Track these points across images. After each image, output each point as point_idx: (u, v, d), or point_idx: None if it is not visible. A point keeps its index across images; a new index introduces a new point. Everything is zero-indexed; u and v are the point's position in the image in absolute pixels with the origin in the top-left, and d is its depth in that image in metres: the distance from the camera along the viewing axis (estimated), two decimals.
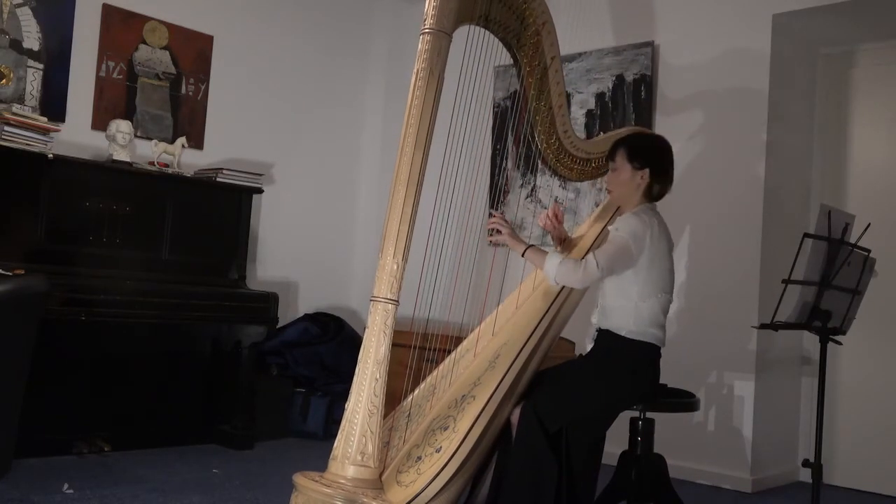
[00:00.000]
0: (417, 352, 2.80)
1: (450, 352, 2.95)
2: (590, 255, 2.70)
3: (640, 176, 2.84)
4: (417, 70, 2.47)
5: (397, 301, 2.43)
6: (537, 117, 2.97)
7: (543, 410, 2.62)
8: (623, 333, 2.76)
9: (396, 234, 2.42)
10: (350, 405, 2.40)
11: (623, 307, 2.77)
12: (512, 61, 2.96)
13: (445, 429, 2.55)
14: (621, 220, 2.79)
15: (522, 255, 2.81)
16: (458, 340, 3.00)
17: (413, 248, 2.46)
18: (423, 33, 2.49)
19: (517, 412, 2.66)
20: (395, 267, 2.41)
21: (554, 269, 2.71)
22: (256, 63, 5.10)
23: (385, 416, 2.48)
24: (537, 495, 2.58)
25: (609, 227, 2.85)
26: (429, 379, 2.87)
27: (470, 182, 2.93)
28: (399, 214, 2.43)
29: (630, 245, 2.70)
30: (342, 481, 2.35)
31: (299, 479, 2.40)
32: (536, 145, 3.02)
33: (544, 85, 2.93)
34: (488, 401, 2.60)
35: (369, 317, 2.42)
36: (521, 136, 3.01)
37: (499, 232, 2.84)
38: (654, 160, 2.85)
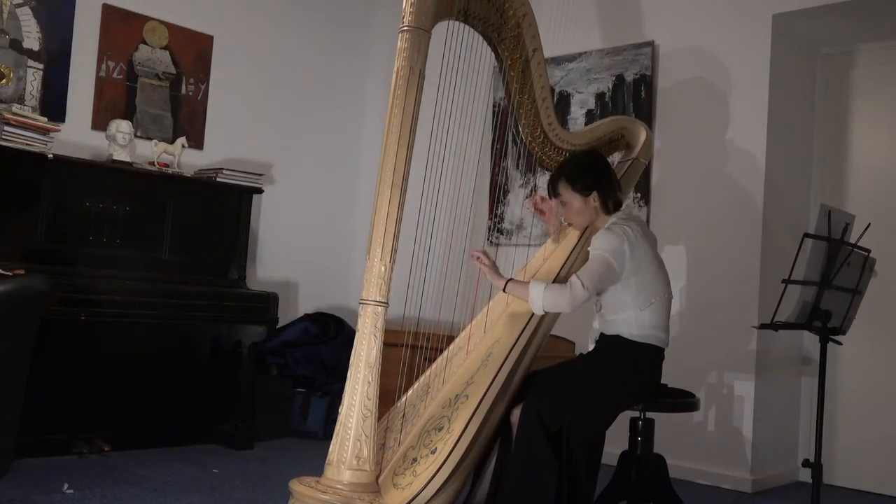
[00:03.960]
0: (410, 351, 2.79)
1: (442, 350, 2.95)
2: (574, 278, 2.68)
3: (592, 199, 2.84)
4: (398, 69, 2.46)
5: (387, 303, 2.42)
6: (521, 111, 2.97)
7: (545, 410, 2.61)
8: (626, 336, 2.76)
9: (383, 235, 2.41)
10: (343, 409, 2.40)
11: (624, 318, 2.76)
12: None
13: (440, 429, 2.54)
14: (597, 238, 2.77)
15: (504, 290, 2.79)
16: (451, 339, 3.00)
17: (403, 246, 2.46)
18: (402, 31, 2.48)
19: (517, 412, 2.66)
20: (383, 269, 2.41)
21: (540, 298, 2.67)
22: (256, 63, 5.10)
23: (379, 417, 2.48)
24: (537, 495, 2.58)
25: (588, 248, 2.83)
26: (422, 378, 2.87)
27: (459, 180, 2.92)
28: (385, 216, 2.42)
29: (611, 261, 2.69)
30: (339, 486, 2.35)
31: (296, 485, 2.39)
32: (522, 139, 3.02)
33: (527, 78, 2.92)
34: (482, 400, 2.60)
35: (359, 320, 2.42)
36: (507, 131, 3.01)
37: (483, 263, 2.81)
38: (597, 180, 2.85)
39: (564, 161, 3.02)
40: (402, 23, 2.49)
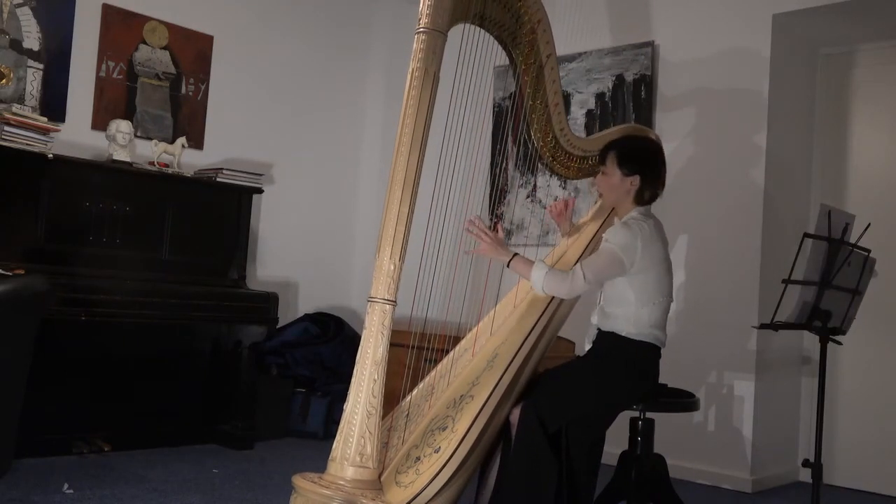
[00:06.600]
0: (416, 351, 2.79)
1: (448, 351, 2.95)
2: (577, 267, 2.70)
3: (630, 182, 2.82)
4: (413, 70, 2.47)
5: (395, 301, 2.42)
6: (533, 115, 2.98)
7: (543, 410, 2.61)
8: (623, 334, 2.76)
9: (393, 234, 2.41)
10: (348, 406, 2.40)
11: (623, 314, 2.77)
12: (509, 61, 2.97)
13: (444, 429, 2.55)
14: (611, 232, 2.77)
15: (507, 266, 2.78)
16: (457, 340, 3.00)
17: (411, 247, 2.46)
18: (418, 32, 2.49)
19: (517, 412, 2.66)
20: (392, 267, 2.41)
21: (541, 280, 2.70)
22: (256, 63, 5.10)
23: (383, 416, 2.48)
24: (537, 495, 2.58)
25: (602, 234, 2.84)
26: (427, 379, 2.87)
27: (468, 181, 2.93)
28: (395, 215, 2.42)
29: (620, 256, 2.69)
30: (341, 482, 2.35)
31: (298, 480, 2.39)
32: (533, 143, 3.02)
33: (540, 83, 2.93)
34: (486, 400, 2.60)
35: (367, 317, 2.42)
36: (519, 135, 3.01)
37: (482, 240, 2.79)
38: (645, 166, 2.83)
39: (624, 136, 3.03)
40: (419, 24, 2.49)
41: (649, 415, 2.89)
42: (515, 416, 2.66)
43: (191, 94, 4.78)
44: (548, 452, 2.59)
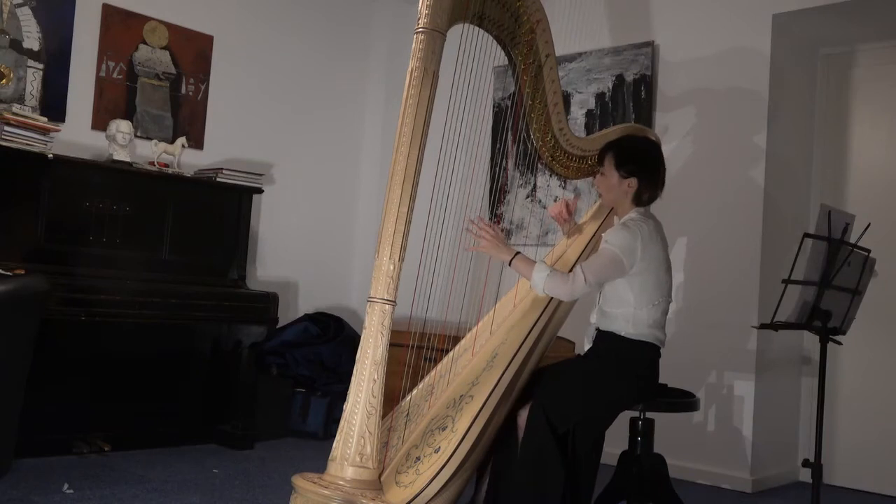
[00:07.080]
0: (415, 351, 2.79)
1: (448, 351, 2.95)
2: (577, 269, 2.69)
3: (628, 184, 2.82)
4: (412, 69, 2.47)
5: (394, 301, 2.42)
6: (532, 115, 2.98)
7: (553, 411, 2.61)
8: (622, 334, 2.76)
9: (393, 233, 2.41)
10: (348, 406, 2.40)
11: (623, 314, 2.77)
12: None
13: (444, 429, 2.55)
14: (611, 233, 2.77)
15: (509, 265, 2.78)
16: (456, 340, 3.00)
17: (410, 247, 2.46)
18: (418, 32, 2.50)
19: (524, 414, 2.66)
20: (392, 267, 2.41)
21: (542, 282, 2.70)
22: (256, 63, 5.10)
23: (383, 416, 2.48)
24: (543, 496, 2.57)
25: (602, 235, 2.84)
26: (427, 379, 2.87)
27: (467, 181, 2.93)
28: (395, 214, 2.42)
29: (620, 258, 2.69)
30: (341, 482, 2.35)
31: (298, 480, 2.39)
32: (532, 143, 3.03)
33: (539, 83, 2.93)
34: (486, 400, 2.60)
35: (366, 317, 2.42)
36: (518, 135, 3.02)
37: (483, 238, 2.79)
38: (643, 169, 2.82)
39: (623, 137, 3.02)
40: (418, 24, 2.50)
41: (649, 415, 2.89)
42: (523, 418, 2.66)
43: (191, 94, 4.78)
44: (556, 454, 2.59)
